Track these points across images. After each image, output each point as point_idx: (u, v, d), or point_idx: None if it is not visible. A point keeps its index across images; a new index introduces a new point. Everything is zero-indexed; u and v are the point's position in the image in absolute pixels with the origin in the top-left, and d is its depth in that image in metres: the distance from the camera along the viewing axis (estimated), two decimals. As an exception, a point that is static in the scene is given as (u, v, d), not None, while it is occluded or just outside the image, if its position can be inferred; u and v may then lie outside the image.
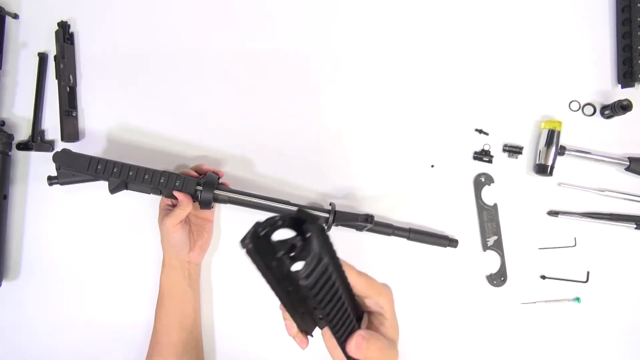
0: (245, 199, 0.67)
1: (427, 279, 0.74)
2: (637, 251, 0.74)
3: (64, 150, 0.67)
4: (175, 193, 0.65)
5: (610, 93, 0.76)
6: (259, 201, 0.67)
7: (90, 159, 0.66)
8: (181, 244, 0.67)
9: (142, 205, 0.75)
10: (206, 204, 0.66)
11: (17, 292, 0.75)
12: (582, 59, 0.76)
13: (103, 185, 0.69)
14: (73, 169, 0.66)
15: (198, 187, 0.66)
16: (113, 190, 0.67)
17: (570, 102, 0.76)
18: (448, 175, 0.76)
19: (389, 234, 0.71)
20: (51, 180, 0.68)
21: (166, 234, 0.67)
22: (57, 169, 0.67)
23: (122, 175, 0.66)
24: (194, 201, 0.67)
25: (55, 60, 0.75)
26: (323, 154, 0.76)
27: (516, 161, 0.75)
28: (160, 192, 0.67)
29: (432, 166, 0.76)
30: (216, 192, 0.66)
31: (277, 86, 0.77)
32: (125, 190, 0.68)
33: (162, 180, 0.65)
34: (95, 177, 0.67)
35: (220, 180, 0.69)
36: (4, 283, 0.74)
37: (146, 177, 0.66)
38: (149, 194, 0.68)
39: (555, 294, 0.74)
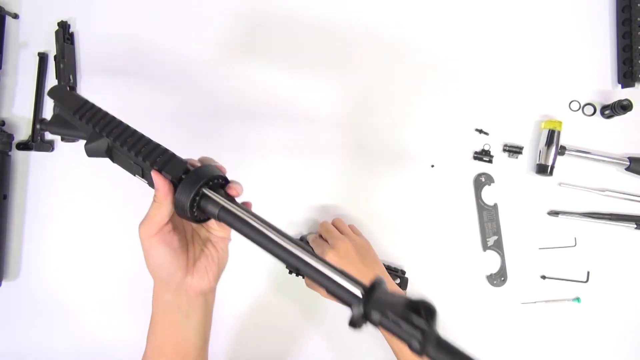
0: (245, 221, 0.39)
1: (427, 279, 0.74)
2: (637, 251, 0.74)
3: (60, 87, 0.55)
4: (153, 174, 0.43)
5: (611, 93, 0.76)
6: (266, 233, 0.38)
7: (85, 102, 0.51)
8: (166, 266, 0.45)
9: (146, 202, 0.75)
10: (180, 206, 0.42)
11: (17, 292, 0.75)
12: (582, 59, 0.76)
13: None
14: (63, 106, 0.51)
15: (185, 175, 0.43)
16: (90, 148, 0.49)
17: (570, 102, 0.76)
18: (448, 175, 0.76)
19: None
20: (41, 124, 0.55)
21: (144, 249, 0.45)
22: (54, 111, 0.54)
23: (105, 130, 0.48)
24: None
25: (55, 60, 0.75)
26: (324, 154, 0.76)
27: (516, 161, 0.75)
28: (142, 173, 0.47)
29: (432, 166, 0.76)
30: (206, 191, 0.42)
31: (280, 87, 0.77)
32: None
33: (142, 150, 0.45)
34: (79, 129, 0.51)
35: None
36: (4, 283, 0.74)
37: (128, 140, 0.46)
38: (134, 175, 0.49)
39: (555, 294, 0.74)
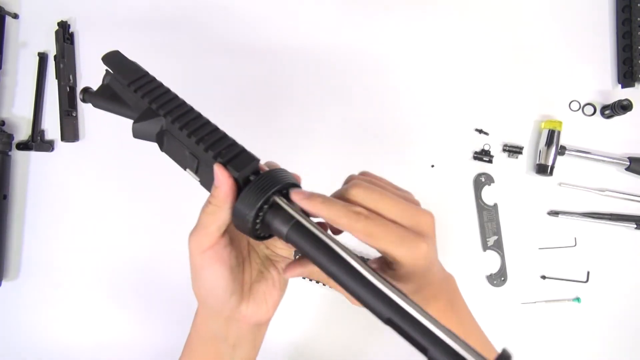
0: (330, 248, 0.30)
1: (427, 279, 0.74)
2: (637, 251, 0.74)
3: (118, 52, 0.47)
4: (217, 168, 0.34)
5: (611, 93, 0.76)
6: (360, 270, 0.29)
7: (145, 74, 0.43)
8: (219, 290, 0.36)
9: (148, 200, 0.75)
10: (241, 215, 0.33)
11: (17, 292, 0.75)
12: (582, 59, 0.76)
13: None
14: (118, 74, 0.44)
15: (254, 176, 0.34)
16: (139, 128, 0.41)
17: (570, 102, 0.76)
18: (448, 175, 0.76)
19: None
20: (84, 94, 0.46)
21: (194, 268, 0.36)
22: (103, 82, 0.46)
23: (163, 108, 0.39)
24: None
25: (55, 60, 0.75)
26: (324, 153, 0.76)
27: (516, 161, 0.75)
28: (196, 167, 0.38)
29: (432, 166, 0.76)
30: (278, 200, 0.33)
31: (280, 85, 0.77)
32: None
33: (206, 137, 0.37)
34: (130, 105, 0.43)
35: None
36: (3, 283, 0.74)
37: (190, 123, 0.38)
38: (184, 168, 0.40)
39: (555, 294, 0.74)
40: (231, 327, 0.39)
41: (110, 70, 0.44)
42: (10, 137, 0.74)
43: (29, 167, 0.76)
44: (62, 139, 0.74)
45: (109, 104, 0.44)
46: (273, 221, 0.32)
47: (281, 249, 0.40)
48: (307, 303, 0.73)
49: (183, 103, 0.40)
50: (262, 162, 0.37)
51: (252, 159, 0.35)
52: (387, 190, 0.36)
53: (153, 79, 0.42)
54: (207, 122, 0.38)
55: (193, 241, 0.35)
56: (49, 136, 0.76)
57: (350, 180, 0.37)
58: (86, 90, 0.45)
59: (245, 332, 0.39)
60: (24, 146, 0.75)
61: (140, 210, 0.75)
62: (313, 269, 0.35)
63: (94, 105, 0.45)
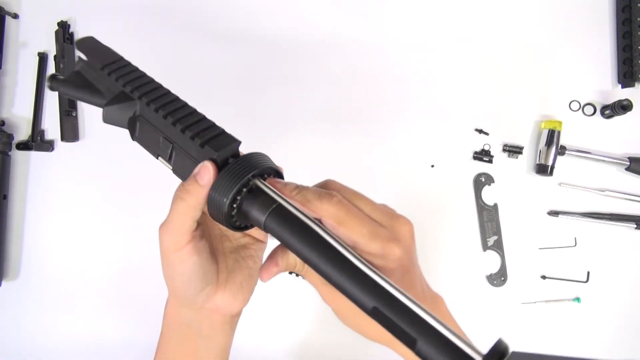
0: (316, 233, 0.29)
1: (427, 279, 0.74)
2: (637, 251, 0.74)
3: (92, 38, 0.44)
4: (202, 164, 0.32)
5: (611, 93, 0.76)
6: (351, 259, 0.28)
7: (120, 58, 0.42)
8: (195, 282, 0.34)
9: (149, 200, 0.75)
10: (215, 202, 0.31)
11: (17, 292, 0.75)
12: (582, 59, 0.76)
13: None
14: (92, 58, 0.42)
15: (233, 159, 0.33)
16: (110, 112, 0.39)
17: (570, 102, 0.76)
18: (448, 175, 0.76)
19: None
20: (52, 82, 0.42)
21: (168, 264, 0.33)
22: (74, 68, 0.43)
23: (139, 90, 0.38)
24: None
25: (55, 60, 0.75)
26: (324, 153, 0.76)
27: (516, 161, 0.75)
28: (169, 153, 0.36)
29: (432, 166, 0.76)
30: (258, 183, 0.31)
31: (277, 80, 0.77)
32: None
33: (183, 119, 0.35)
34: (102, 90, 0.41)
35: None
36: (4, 283, 0.74)
37: (167, 105, 0.36)
38: (156, 156, 0.38)
39: (555, 294, 0.74)
40: (204, 317, 0.37)
41: (83, 56, 0.42)
42: (10, 137, 0.74)
43: (29, 167, 0.76)
44: (62, 139, 0.74)
45: (79, 92, 0.41)
46: (251, 209, 0.30)
47: (255, 233, 0.38)
48: (305, 304, 0.73)
49: (160, 86, 0.38)
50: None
51: (233, 140, 0.33)
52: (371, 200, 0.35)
53: (128, 63, 0.41)
54: (185, 105, 0.36)
55: (167, 238, 0.32)
56: (49, 136, 0.76)
57: None
58: (54, 77, 0.42)
59: (219, 322, 0.38)
60: (24, 146, 0.75)
61: (140, 210, 0.75)
62: (289, 263, 0.35)
63: (63, 93, 0.43)
